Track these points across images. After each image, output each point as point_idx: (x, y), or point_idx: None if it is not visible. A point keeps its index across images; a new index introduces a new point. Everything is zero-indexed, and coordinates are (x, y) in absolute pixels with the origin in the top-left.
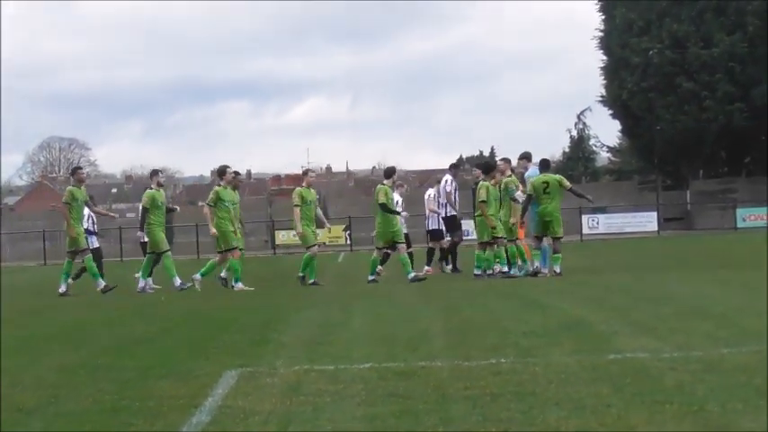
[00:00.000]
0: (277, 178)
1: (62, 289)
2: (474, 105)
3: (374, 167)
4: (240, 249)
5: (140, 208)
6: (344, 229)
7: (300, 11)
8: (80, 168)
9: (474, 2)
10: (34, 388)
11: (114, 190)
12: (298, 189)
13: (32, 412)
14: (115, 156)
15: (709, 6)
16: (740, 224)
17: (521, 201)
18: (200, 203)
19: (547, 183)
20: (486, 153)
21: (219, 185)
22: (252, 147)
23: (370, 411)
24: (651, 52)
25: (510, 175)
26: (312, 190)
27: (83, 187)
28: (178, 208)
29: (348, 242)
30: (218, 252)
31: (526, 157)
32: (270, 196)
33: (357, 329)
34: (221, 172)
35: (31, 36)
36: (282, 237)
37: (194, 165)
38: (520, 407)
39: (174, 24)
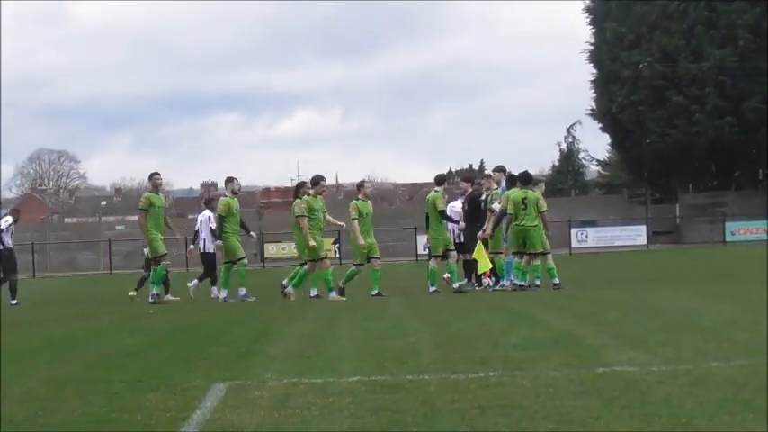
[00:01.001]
0: (267, 191)
1: (152, 297)
2: (464, 118)
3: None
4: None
5: (212, 217)
6: (334, 242)
7: (292, 24)
8: (156, 174)
9: (464, 16)
10: (22, 400)
11: (104, 203)
12: (354, 202)
13: (21, 424)
14: (105, 168)
15: (699, 20)
16: (729, 238)
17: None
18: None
19: (526, 198)
20: (476, 166)
21: (308, 194)
22: (242, 159)
23: (358, 424)
24: (641, 66)
25: (496, 188)
26: (369, 202)
27: (161, 193)
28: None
29: (337, 255)
30: (307, 260)
31: (501, 170)
32: (260, 209)
33: (345, 342)
34: (315, 182)
35: (22, 48)
36: (272, 250)
37: (184, 177)
38: (508, 420)
39: (165, 37)
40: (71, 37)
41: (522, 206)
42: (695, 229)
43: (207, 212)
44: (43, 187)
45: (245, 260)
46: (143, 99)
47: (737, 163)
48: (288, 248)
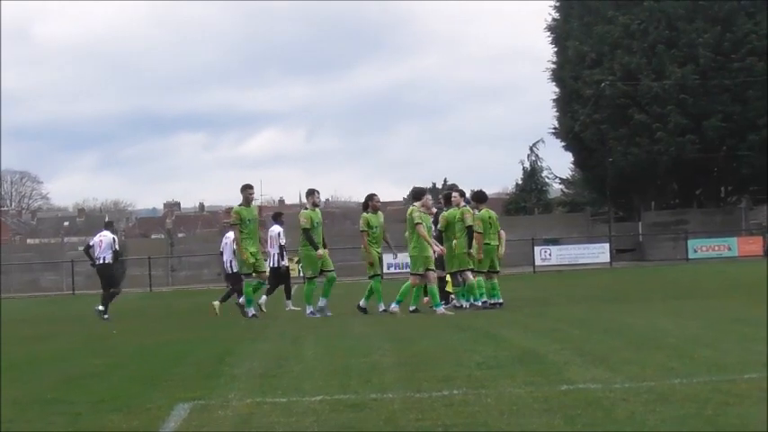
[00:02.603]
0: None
1: (250, 312)
2: (428, 137)
3: (327, 199)
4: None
5: (281, 232)
6: (297, 262)
7: (257, 44)
8: (250, 187)
9: (428, 35)
10: None
11: (66, 223)
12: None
13: None
14: (68, 189)
15: (660, 39)
16: (692, 255)
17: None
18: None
19: (491, 217)
20: (440, 185)
21: (366, 212)
22: (206, 179)
23: None
24: (603, 84)
25: (465, 205)
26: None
27: (252, 205)
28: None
29: (301, 274)
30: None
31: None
32: (223, 228)
33: (309, 362)
34: (369, 199)
35: None
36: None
37: (147, 197)
38: None
39: (130, 57)
40: (35, 57)
41: (490, 226)
42: (658, 247)
43: (276, 227)
44: (5, 208)
45: (334, 273)
46: (107, 119)
47: (699, 181)
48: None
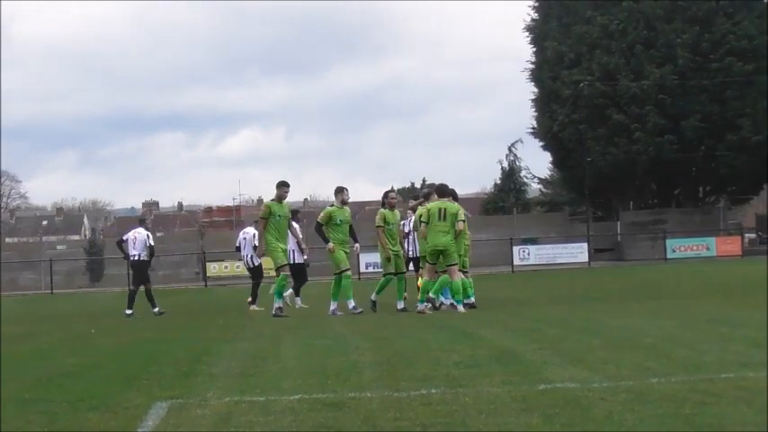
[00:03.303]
0: (209, 210)
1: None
2: (407, 138)
3: (306, 199)
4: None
5: (298, 228)
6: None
7: (236, 44)
8: (286, 185)
9: (408, 36)
10: None
11: (45, 222)
12: (381, 210)
13: None
14: (46, 188)
15: (639, 39)
16: (670, 255)
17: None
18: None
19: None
20: (418, 184)
21: (383, 208)
22: (184, 178)
23: None
24: (582, 84)
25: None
26: (396, 211)
27: (284, 203)
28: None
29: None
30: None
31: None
32: (201, 228)
33: (287, 361)
34: (385, 196)
35: None
36: (213, 269)
37: (126, 196)
38: None
39: (109, 57)
40: (12, 57)
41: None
42: (636, 247)
43: (293, 224)
44: None
45: (350, 272)
46: (86, 119)
47: (678, 181)
48: (230, 267)
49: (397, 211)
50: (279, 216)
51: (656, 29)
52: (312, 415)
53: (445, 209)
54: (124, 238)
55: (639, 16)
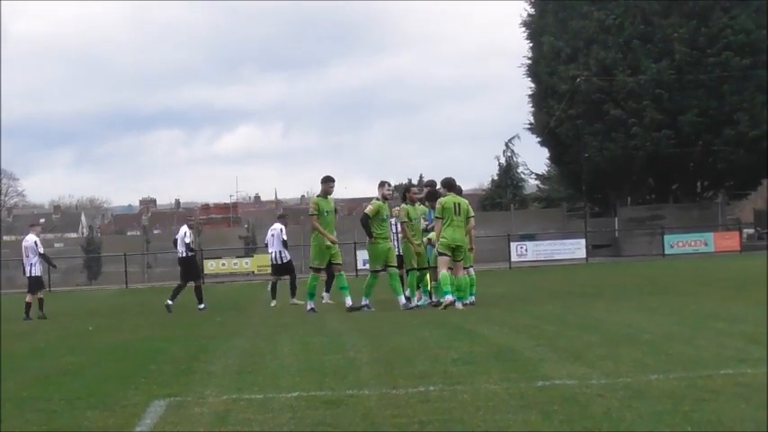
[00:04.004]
0: (206, 207)
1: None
2: (404, 134)
3: (303, 196)
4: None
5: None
6: None
7: (233, 41)
8: (331, 180)
9: (405, 33)
10: None
11: (42, 220)
12: (403, 206)
13: None
14: (43, 186)
15: (635, 34)
16: (668, 251)
17: None
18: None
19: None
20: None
21: (404, 203)
22: (182, 176)
23: None
24: (579, 80)
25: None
26: (418, 206)
27: (329, 198)
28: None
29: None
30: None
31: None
32: (199, 225)
33: (285, 358)
34: (407, 190)
35: None
36: (211, 266)
37: (123, 194)
38: None
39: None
40: (9, 55)
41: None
42: (634, 242)
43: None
44: None
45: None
46: (83, 116)
47: (675, 176)
48: (227, 264)
49: (418, 206)
50: (326, 212)
51: (653, 23)
52: (310, 412)
53: (459, 204)
54: (175, 237)
55: (636, 11)
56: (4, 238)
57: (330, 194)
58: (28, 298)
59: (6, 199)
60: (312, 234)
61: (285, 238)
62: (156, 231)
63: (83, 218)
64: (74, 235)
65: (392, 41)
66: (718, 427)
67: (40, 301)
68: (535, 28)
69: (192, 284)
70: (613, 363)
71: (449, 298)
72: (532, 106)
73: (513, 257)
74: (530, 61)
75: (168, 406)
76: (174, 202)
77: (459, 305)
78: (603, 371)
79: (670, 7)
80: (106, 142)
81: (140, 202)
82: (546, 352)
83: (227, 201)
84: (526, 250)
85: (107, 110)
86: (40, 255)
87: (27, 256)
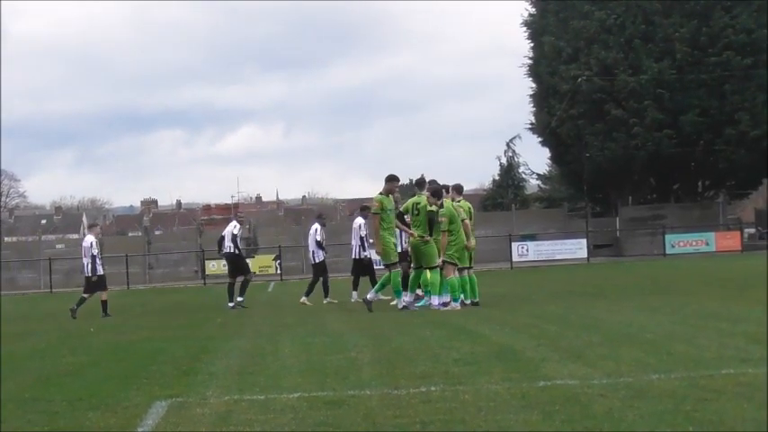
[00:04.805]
0: (207, 208)
1: (401, 303)
2: (404, 134)
3: (304, 196)
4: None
5: (362, 225)
6: (274, 259)
7: (234, 40)
8: (396, 179)
9: (406, 32)
10: None
11: (44, 221)
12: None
13: None
14: (45, 187)
15: (637, 34)
16: (669, 250)
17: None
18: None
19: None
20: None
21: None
22: (183, 176)
23: None
24: (580, 79)
25: (459, 200)
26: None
27: (391, 196)
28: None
29: (278, 271)
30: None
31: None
32: (200, 226)
33: (286, 359)
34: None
35: None
36: (212, 267)
37: (124, 195)
38: None
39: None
40: (10, 55)
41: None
42: (635, 242)
43: (360, 219)
44: None
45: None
46: (84, 117)
47: (676, 176)
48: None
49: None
50: (389, 210)
51: (655, 23)
52: (312, 413)
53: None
54: (223, 234)
55: (637, 11)
56: (6, 239)
57: (393, 193)
58: (103, 296)
59: (8, 200)
60: (383, 231)
61: (319, 239)
62: (157, 232)
63: (84, 219)
64: (75, 236)
65: (393, 41)
66: (720, 426)
67: (103, 303)
68: (536, 28)
69: (240, 279)
70: (615, 362)
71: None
72: (533, 106)
73: (515, 257)
74: (531, 61)
75: (170, 407)
76: (175, 202)
77: (455, 305)
78: (605, 371)
79: (671, 7)
80: (108, 143)
81: (141, 202)
82: (547, 352)
83: (229, 201)
84: (527, 250)
85: (108, 110)
86: (92, 256)
87: (85, 256)
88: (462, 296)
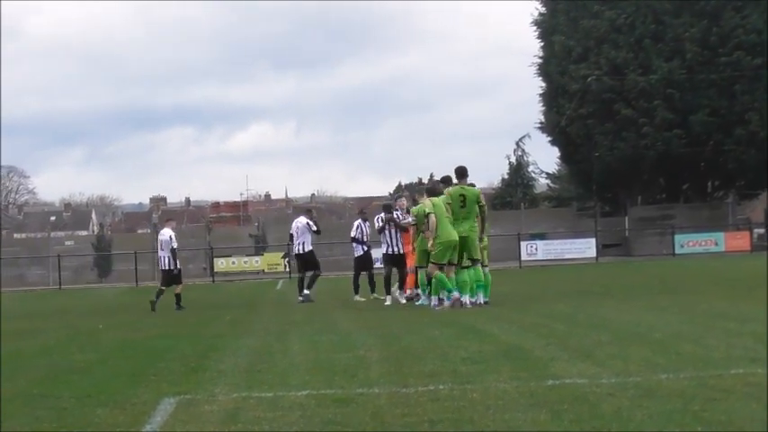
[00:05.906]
0: (216, 205)
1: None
2: (414, 133)
3: (313, 194)
4: None
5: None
6: (283, 257)
7: (246, 39)
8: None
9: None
10: None
11: (53, 218)
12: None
13: None
14: (54, 184)
15: (647, 33)
16: (678, 250)
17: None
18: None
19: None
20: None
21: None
22: (192, 174)
23: None
24: (589, 79)
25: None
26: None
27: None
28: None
29: (287, 269)
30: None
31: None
32: (209, 223)
33: (295, 356)
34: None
35: None
36: (221, 264)
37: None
38: None
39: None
40: (20, 52)
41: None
42: (644, 242)
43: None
44: None
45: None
46: (93, 114)
47: (686, 175)
48: (237, 263)
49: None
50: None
51: (665, 23)
52: (320, 411)
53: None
54: (291, 232)
55: (647, 10)
56: (15, 235)
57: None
58: (177, 289)
59: (17, 197)
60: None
61: (354, 234)
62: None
63: (93, 215)
64: (84, 233)
65: (403, 40)
66: (729, 426)
67: (177, 296)
68: (546, 27)
69: (310, 273)
70: (623, 362)
71: (455, 295)
72: (543, 105)
73: (524, 256)
74: (541, 60)
75: (178, 404)
76: (184, 200)
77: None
78: (613, 370)
79: (681, 7)
80: (117, 140)
81: (151, 200)
82: (556, 351)
83: (238, 199)
84: (536, 249)
85: (118, 107)
86: (171, 249)
87: (162, 250)
88: (469, 295)
